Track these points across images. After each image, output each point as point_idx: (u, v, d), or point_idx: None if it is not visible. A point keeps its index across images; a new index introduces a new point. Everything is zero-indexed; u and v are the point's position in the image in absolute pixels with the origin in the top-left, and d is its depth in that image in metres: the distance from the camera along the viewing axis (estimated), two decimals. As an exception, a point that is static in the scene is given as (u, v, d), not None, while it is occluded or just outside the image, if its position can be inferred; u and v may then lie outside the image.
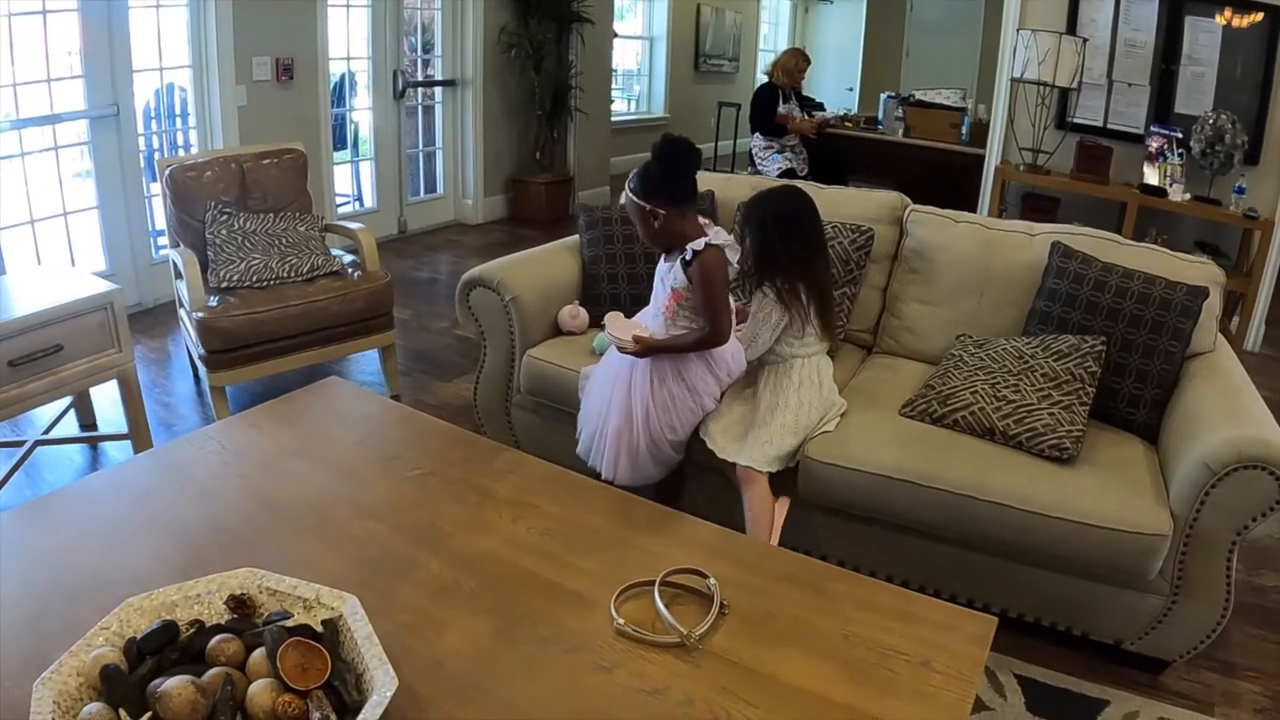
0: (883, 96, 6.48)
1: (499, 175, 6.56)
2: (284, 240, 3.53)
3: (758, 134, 5.68)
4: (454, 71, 6.16)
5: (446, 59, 6.14)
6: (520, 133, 6.54)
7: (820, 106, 6.27)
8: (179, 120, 4.79)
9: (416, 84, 6.15)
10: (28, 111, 3.90)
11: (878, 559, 2.21)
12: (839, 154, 5.97)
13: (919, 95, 6.28)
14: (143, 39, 4.26)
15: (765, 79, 5.81)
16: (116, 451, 3.14)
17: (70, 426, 3.28)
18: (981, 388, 2.22)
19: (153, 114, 4.71)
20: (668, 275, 2.14)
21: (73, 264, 4.21)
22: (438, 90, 6.24)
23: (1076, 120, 4.67)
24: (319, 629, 1.13)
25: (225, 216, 3.50)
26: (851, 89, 9.06)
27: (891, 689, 1.22)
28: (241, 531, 1.55)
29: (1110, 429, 2.25)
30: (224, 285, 3.30)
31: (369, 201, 6.01)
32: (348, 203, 5.96)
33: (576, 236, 3.08)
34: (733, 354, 2.24)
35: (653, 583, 1.39)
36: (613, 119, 7.72)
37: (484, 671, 1.24)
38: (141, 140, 4.45)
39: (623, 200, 2.12)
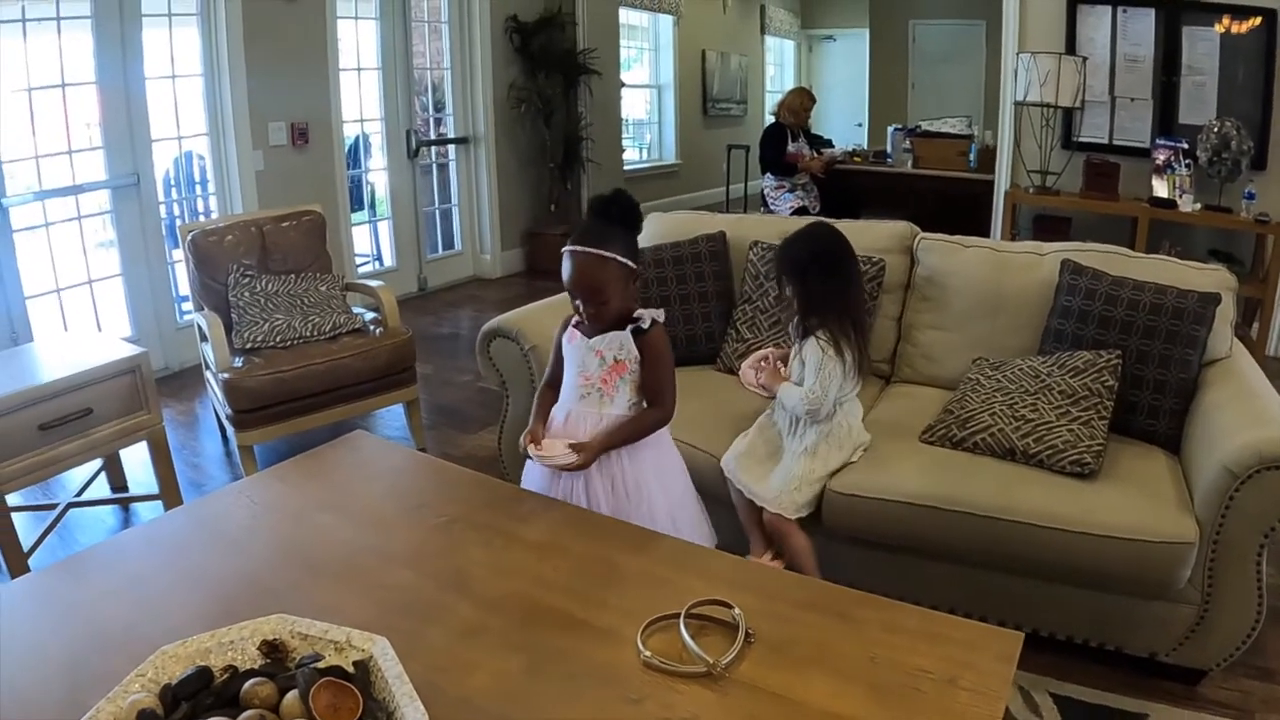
0: (890, 129, 6.56)
1: (515, 229, 6.67)
2: (306, 300, 3.61)
3: (769, 174, 5.75)
4: (466, 129, 6.31)
5: (458, 117, 6.28)
6: (534, 186, 6.66)
7: (829, 144, 6.35)
8: (198, 187, 4.94)
9: (430, 143, 6.30)
10: (50, 183, 4.04)
11: (905, 586, 2.19)
12: (850, 190, 6.03)
13: (925, 126, 6.35)
14: (160, 109, 4.41)
15: (773, 119, 5.90)
16: (148, 512, 3.19)
17: (102, 489, 3.35)
18: (1000, 409, 2.23)
19: (173, 182, 4.87)
20: (608, 345, 1.87)
21: (99, 330, 4.32)
22: (451, 148, 6.39)
23: (1082, 139, 4.71)
24: (350, 670, 1.14)
25: (247, 279, 3.59)
26: (861, 124, 9.17)
27: (919, 708, 1.22)
28: (271, 582, 1.57)
29: (1131, 442, 2.24)
30: (248, 346, 3.37)
31: (388, 260, 6.13)
32: (368, 262, 6.07)
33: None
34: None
35: (679, 615, 1.40)
36: (625, 168, 7.86)
37: (515, 707, 1.24)
38: (162, 208, 4.58)
39: (572, 268, 1.80)
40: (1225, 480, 1.83)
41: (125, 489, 3.39)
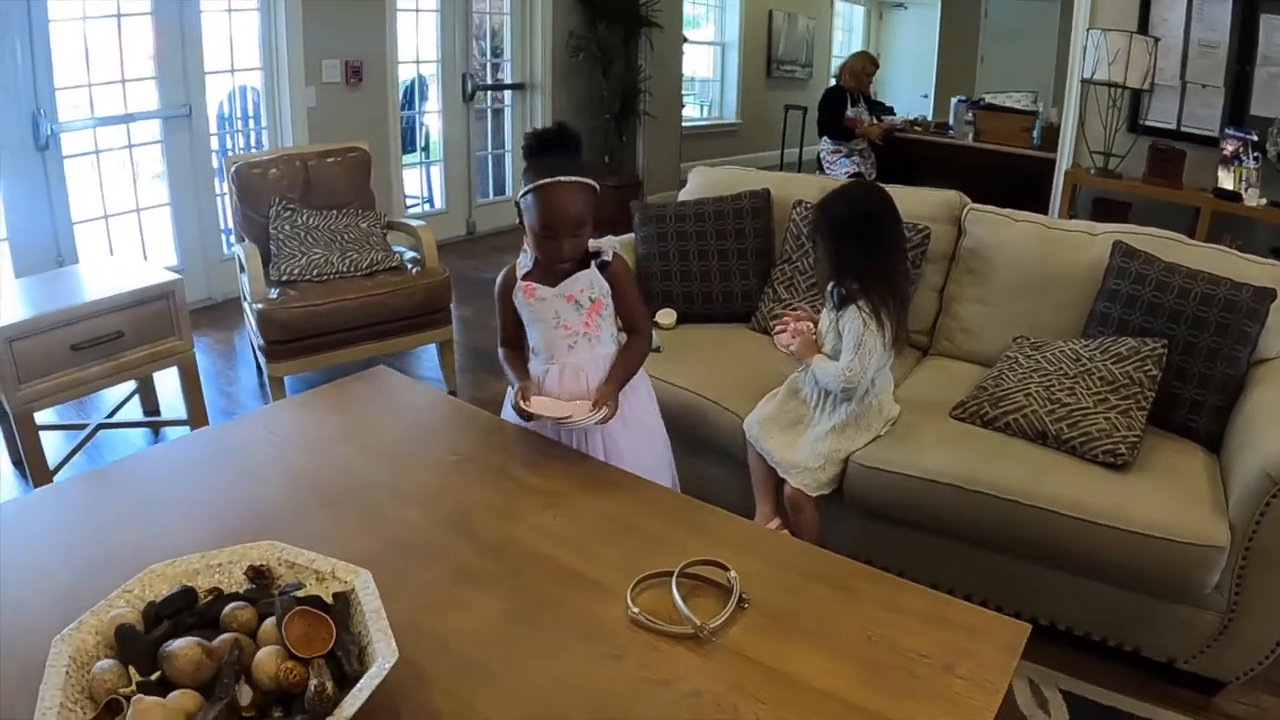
0: (953, 101, 6.34)
1: (566, 178, 6.61)
2: (345, 236, 3.61)
3: (825, 138, 5.61)
4: (523, 75, 6.24)
5: (516, 62, 6.22)
6: (589, 136, 6.48)
7: (890, 111, 6.16)
8: (251, 121, 4.95)
9: (486, 87, 6.26)
10: (102, 111, 4.07)
11: (922, 566, 2.14)
12: (907, 159, 5.86)
13: (989, 99, 6.11)
14: (215, 42, 4.42)
15: (834, 82, 5.75)
16: (176, 435, 3.24)
17: (135, 411, 3.41)
18: (1035, 390, 2.14)
19: (226, 115, 4.89)
20: (581, 287, 1.79)
21: (145, 258, 4.38)
22: (507, 93, 6.33)
23: (1149, 123, 4.48)
24: (329, 600, 1.14)
25: (289, 212, 3.60)
26: (926, 96, 8.89)
27: (910, 692, 1.17)
28: (278, 511, 1.57)
29: (1170, 436, 2.14)
30: (284, 279, 3.39)
31: (438, 203, 6.12)
32: (417, 204, 6.09)
33: (632, 234, 3.08)
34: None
35: (673, 573, 1.37)
36: (684, 124, 7.74)
37: (492, 653, 1.23)
38: (215, 140, 4.61)
39: (561, 202, 1.69)
40: (1264, 485, 1.73)
41: (157, 413, 3.44)
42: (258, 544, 1.24)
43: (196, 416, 3.10)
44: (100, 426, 3.22)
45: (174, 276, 3.01)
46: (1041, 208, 4.64)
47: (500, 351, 1.93)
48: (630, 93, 6.38)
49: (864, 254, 2.03)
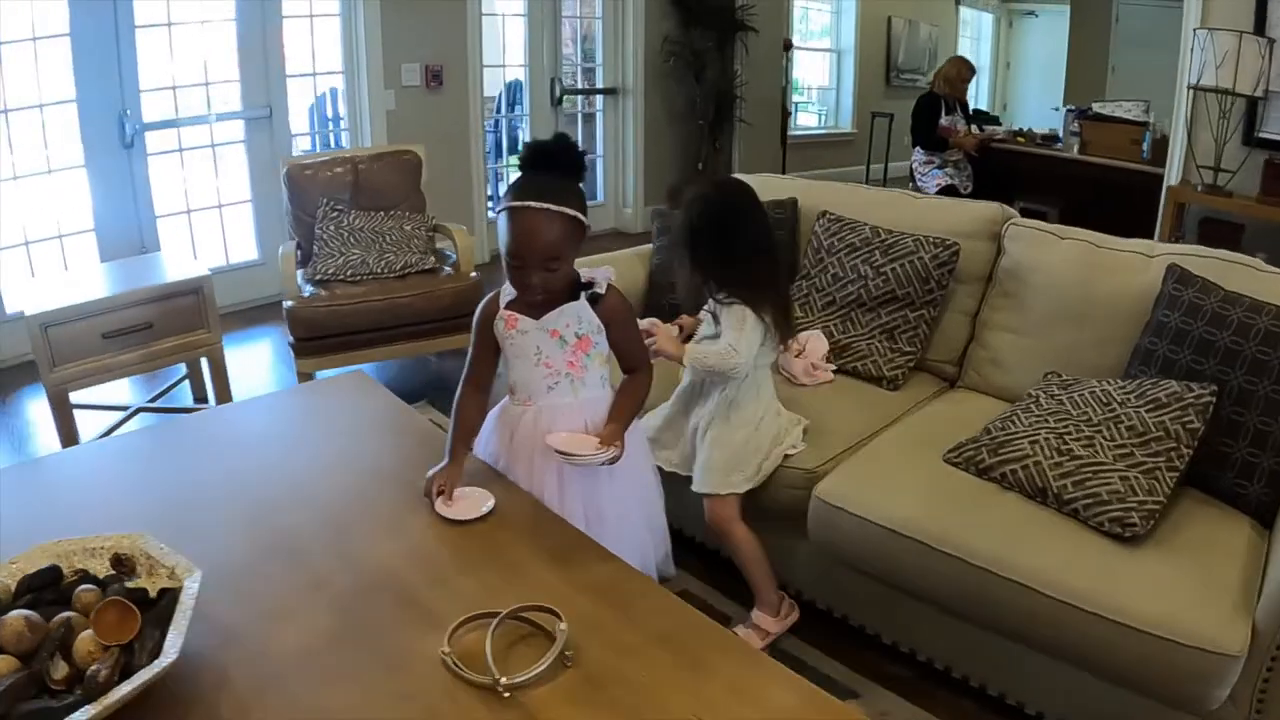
0: (1063, 110, 5.80)
1: (660, 185, 6.49)
2: (387, 238, 3.60)
3: (918, 148, 5.24)
4: (615, 79, 6.16)
5: (607, 67, 6.15)
6: (682, 142, 6.45)
7: (993, 120, 5.70)
8: (331, 123, 5.07)
9: (575, 92, 6.22)
10: (186, 111, 4.25)
11: (893, 625, 1.89)
12: (1006, 172, 5.38)
13: (1097, 108, 5.54)
14: (297, 46, 4.54)
15: (928, 89, 5.37)
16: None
17: (185, 397, 3.50)
18: (1045, 438, 1.82)
19: (317, 116, 5.04)
20: (567, 321, 1.59)
21: (226, 253, 4.56)
22: (598, 98, 6.27)
23: (1265, 135, 3.89)
24: (153, 594, 1.16)
25: (336, 213, 3.63)
26: (1058, 109, 8.25)
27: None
28: (182, 506, 1.57)
29: (1212, 503, 1.77)
30: (320, 277, 3.40)
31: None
32: (493, 207, 6.11)
33: (650, 244, 2.92)
34: None
35: (499, 614, 1.21)
36: (793, 132, 7.48)
37: (298, 671, 1.16)
38: (299, 141, 4.74)
39: (516, 229, 1.50)
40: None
41: (206, 400, 3.53)
42: (129, 535, 1.27)
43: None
44: (139, 410, 3.33)
45: (204, 273, 3.07)
46: (1146, 227, 4.13)
47: (459, 391, 1.68)
48: (725, 99, 6.18)
49: (722, 258, 1.90)
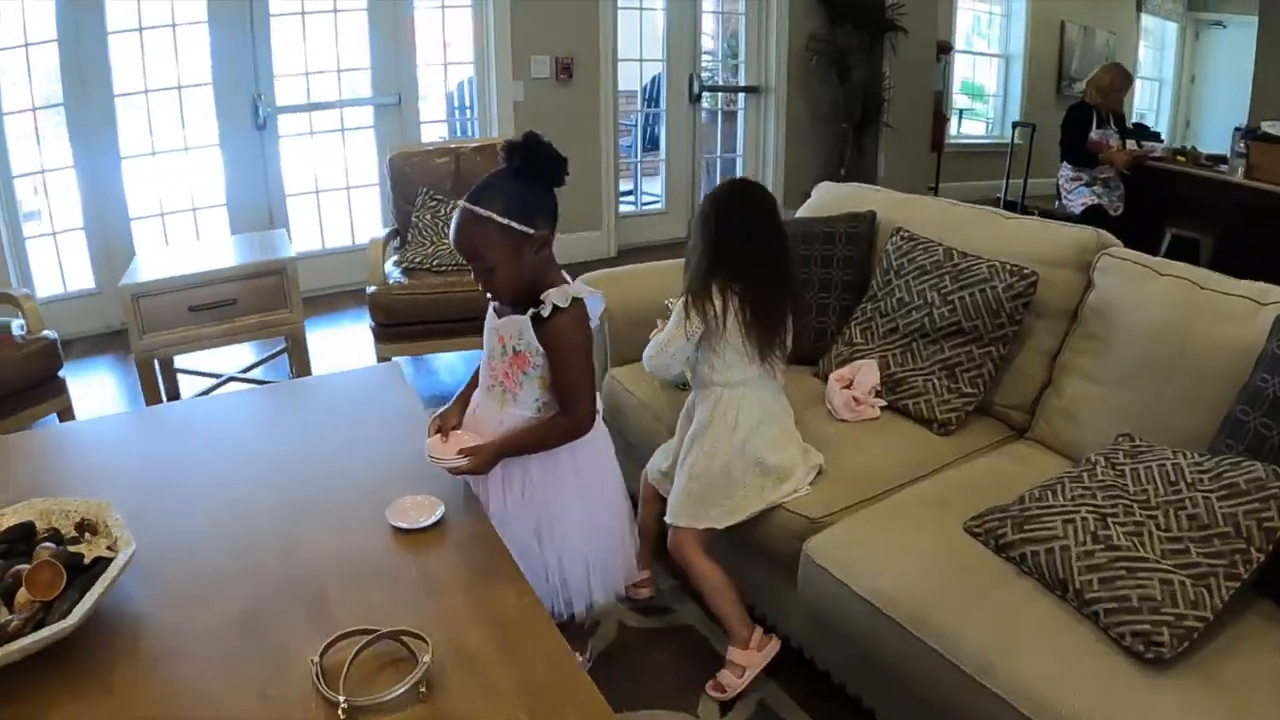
0: (1232, 129, 5.05)
1: (800, 187, 6.17)
2: (481, 229, 3.61)
3: (1065, 163, 4.72)
4: (758, 78, 5.97)
5: (750, 64, 5.96)
6: (826, 145, 6.17)
7: (1154, 135, 5.04)
8: (461, 111, 5.18)
9: (714, 88, 6.07)
10: (318, 96, 4.44)
11: (877, 694, 1.68)
12: (1162, 195, 4.71)
13: (1266, 127, 4.75)
14: (429, 35, 4.65)
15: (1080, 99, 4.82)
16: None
17: (282, 370, 3.66)
18: (1084, 518, 1.53)
19: (451, 105, 5.16)
20: (509, 332, 1.55)
21: (352, 234, 4.75)
22: (740, 96, 6.10)
23: None
24: (88, 560, 1.24)
25: (435, 203, 3.67)
26: (1239, 128, 7.25)
27: None
28: (169, 479, 1.65)
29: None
30: (408, 266, 3.45)
31: (661, 203, 6.05)
32: (632, 202, 6.06)
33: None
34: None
35: (373, 633, 1.15)
36: (951, 139, 7.02)
37: (190, 650, 1.19)
38: (429, 128, 4.86)
39: (457, 227, 1.49)
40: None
41: (308, 373, 3.67)
42: (96, 502, 1.37)
43: (302, 381, 3.28)
44: (231, 379, 3.51)
45: (288, 256, 3.18)
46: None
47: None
48: (872, 102, 5.85)
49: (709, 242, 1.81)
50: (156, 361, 3.15)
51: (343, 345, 4.07)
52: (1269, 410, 1.54)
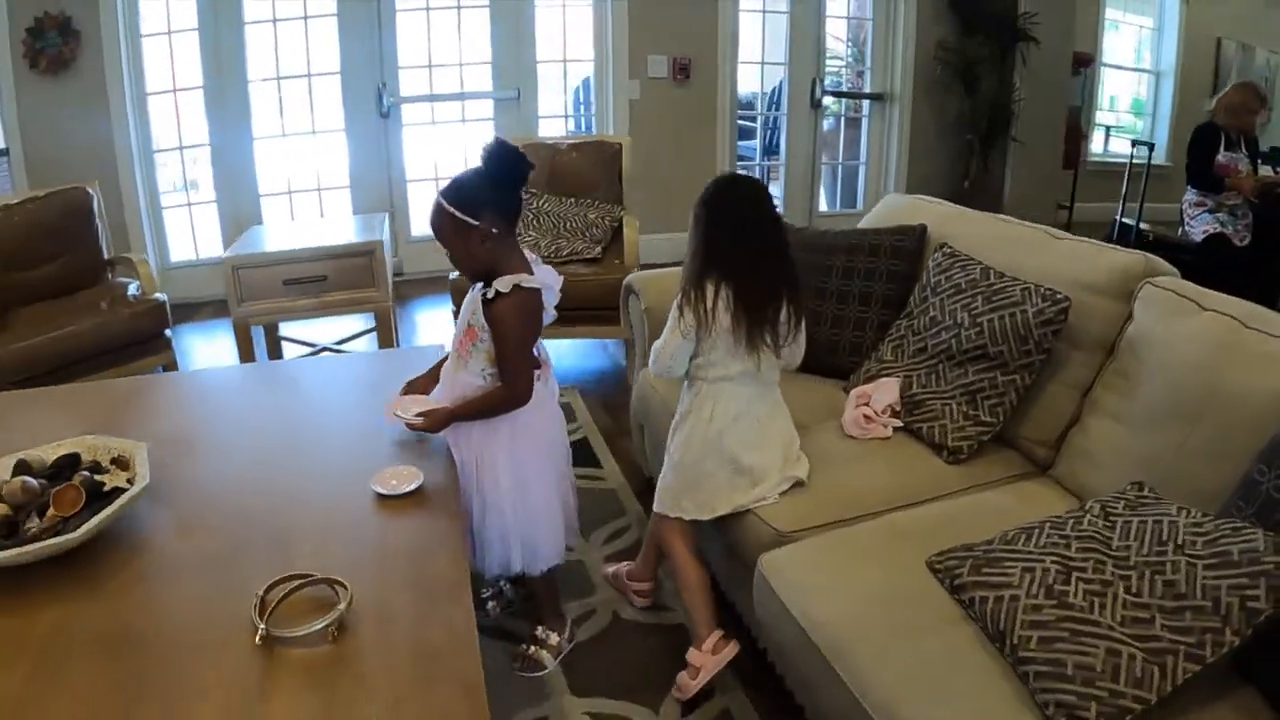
0: None
1: (926, 200, 6.05)
2: (568, 224, 3.72)
3: (1191, 187, 4.33)
4: (883, 85, 5.82)
5: (876, 71, 5.82)
6: (952, 157, 5.94)
7: None
8: (582, 108, 5.31)
9: (837, 94, 5.95)
10: (439, 89, 4.68)
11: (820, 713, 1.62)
12: None
13: None
14: (549, 32, 4.81)
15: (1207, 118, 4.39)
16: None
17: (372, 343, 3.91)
18: (1046, 568, 1.42)
19: (573, 101, 5.31)
20: (468, 307, 1.79)
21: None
22: (865, 103, 5.96)
23: None
24: (107, 488, 1.46)
25: (527, 196, 3.80)
26: None
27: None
28: (204, 433, 1.90)
29: (1257, 710, 1.28)
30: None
31: (780, 207, 6.00)
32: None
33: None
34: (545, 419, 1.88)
35: (308, 577, 1.29)
36: (1091, 158, 6.60)
37: (156, 574, 1.37)
38: (547, 123, 5.02)
39: (431, 213, 1.72)
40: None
41: (392, 345, 3.90)
42: (132, 441, 1.59)
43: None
44: (324, 349, 3.77)
45: (377, 239, 3.38)
46: None
47: None
48: (1000, 114, 5.57)
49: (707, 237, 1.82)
50: (262, 328, 3.43)
51: (439, 323, 4.28)
52: None
